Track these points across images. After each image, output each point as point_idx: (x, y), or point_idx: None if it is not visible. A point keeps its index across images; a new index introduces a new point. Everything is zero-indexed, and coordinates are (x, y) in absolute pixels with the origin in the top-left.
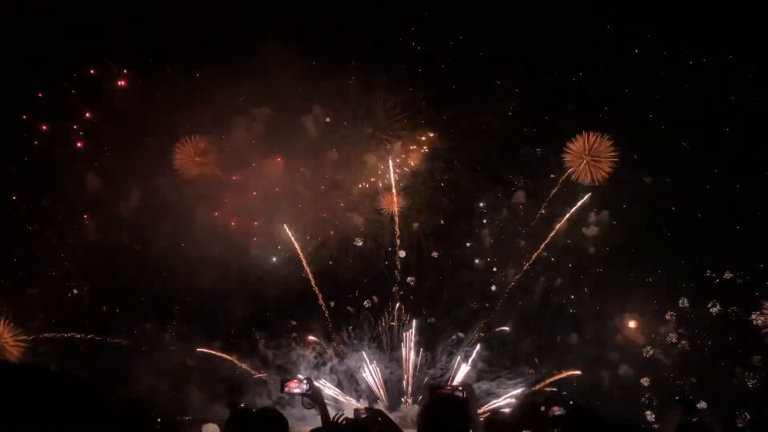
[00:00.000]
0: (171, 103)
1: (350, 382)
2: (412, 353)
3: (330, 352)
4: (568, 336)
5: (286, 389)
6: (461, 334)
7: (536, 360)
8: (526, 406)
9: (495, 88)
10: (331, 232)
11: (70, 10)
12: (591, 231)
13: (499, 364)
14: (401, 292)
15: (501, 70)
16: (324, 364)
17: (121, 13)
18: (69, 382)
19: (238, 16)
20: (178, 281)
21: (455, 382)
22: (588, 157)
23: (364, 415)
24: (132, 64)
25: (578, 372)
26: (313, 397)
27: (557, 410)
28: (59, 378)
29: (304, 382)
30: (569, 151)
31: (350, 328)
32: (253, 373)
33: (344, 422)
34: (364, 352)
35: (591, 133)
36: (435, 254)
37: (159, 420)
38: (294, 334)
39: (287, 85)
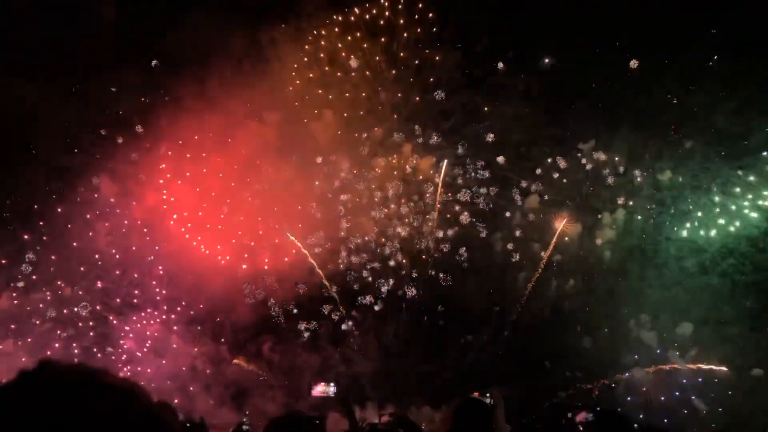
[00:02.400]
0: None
1: (357, 387)
2: (421, 358)
3: (337, 356)
4: (580, 341)
5: (314, 392)
6: (470, 337)
7: (547, 364)
8: (553, 413)
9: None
10: (341, 235)
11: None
12: (606, 235)
13: (508, 366)
14: (409, 296)
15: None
16: (330, 369)
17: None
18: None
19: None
20: (184, 283)
21: (470, 387)
22: None
23: (386, 420)
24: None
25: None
26: (341, 401)
27: (584, 416)
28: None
29: (332, 385)
30: None
31: (357, 332)
32: None
33: (368, 428)
34: (371, 357)
35: None
36: (444, 257)
37: (188, 425)
38: (301, 339)
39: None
